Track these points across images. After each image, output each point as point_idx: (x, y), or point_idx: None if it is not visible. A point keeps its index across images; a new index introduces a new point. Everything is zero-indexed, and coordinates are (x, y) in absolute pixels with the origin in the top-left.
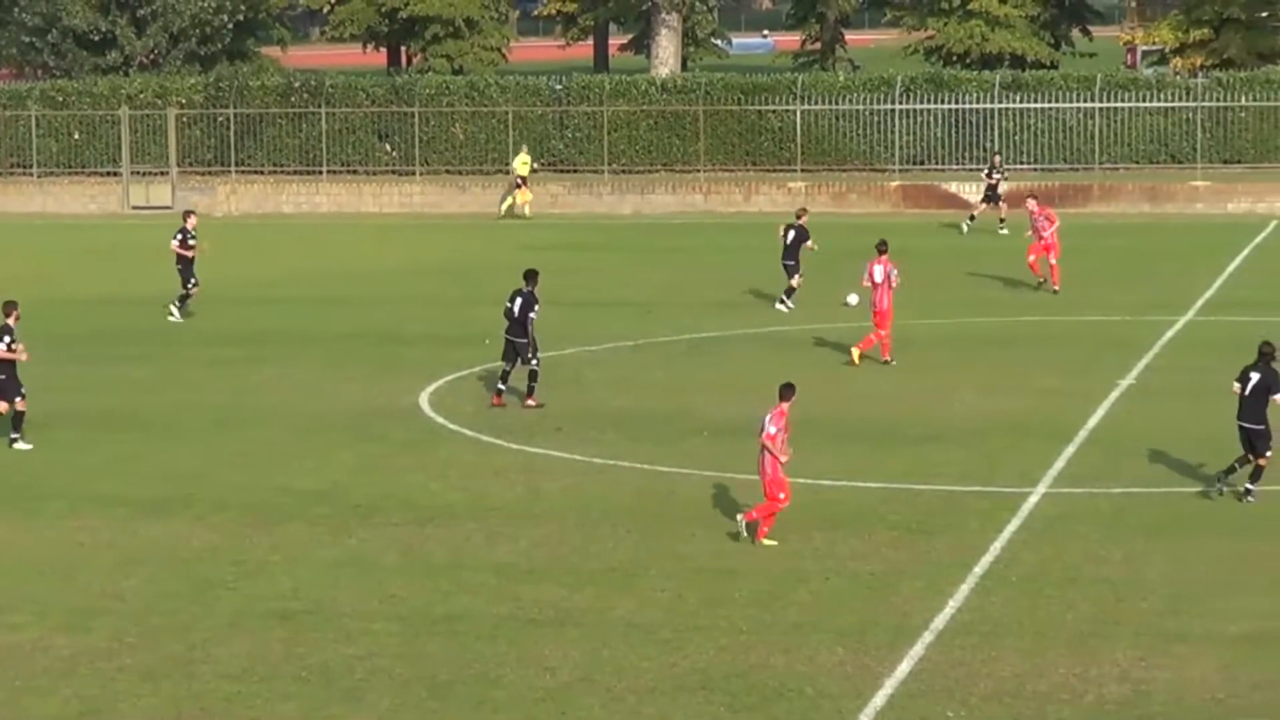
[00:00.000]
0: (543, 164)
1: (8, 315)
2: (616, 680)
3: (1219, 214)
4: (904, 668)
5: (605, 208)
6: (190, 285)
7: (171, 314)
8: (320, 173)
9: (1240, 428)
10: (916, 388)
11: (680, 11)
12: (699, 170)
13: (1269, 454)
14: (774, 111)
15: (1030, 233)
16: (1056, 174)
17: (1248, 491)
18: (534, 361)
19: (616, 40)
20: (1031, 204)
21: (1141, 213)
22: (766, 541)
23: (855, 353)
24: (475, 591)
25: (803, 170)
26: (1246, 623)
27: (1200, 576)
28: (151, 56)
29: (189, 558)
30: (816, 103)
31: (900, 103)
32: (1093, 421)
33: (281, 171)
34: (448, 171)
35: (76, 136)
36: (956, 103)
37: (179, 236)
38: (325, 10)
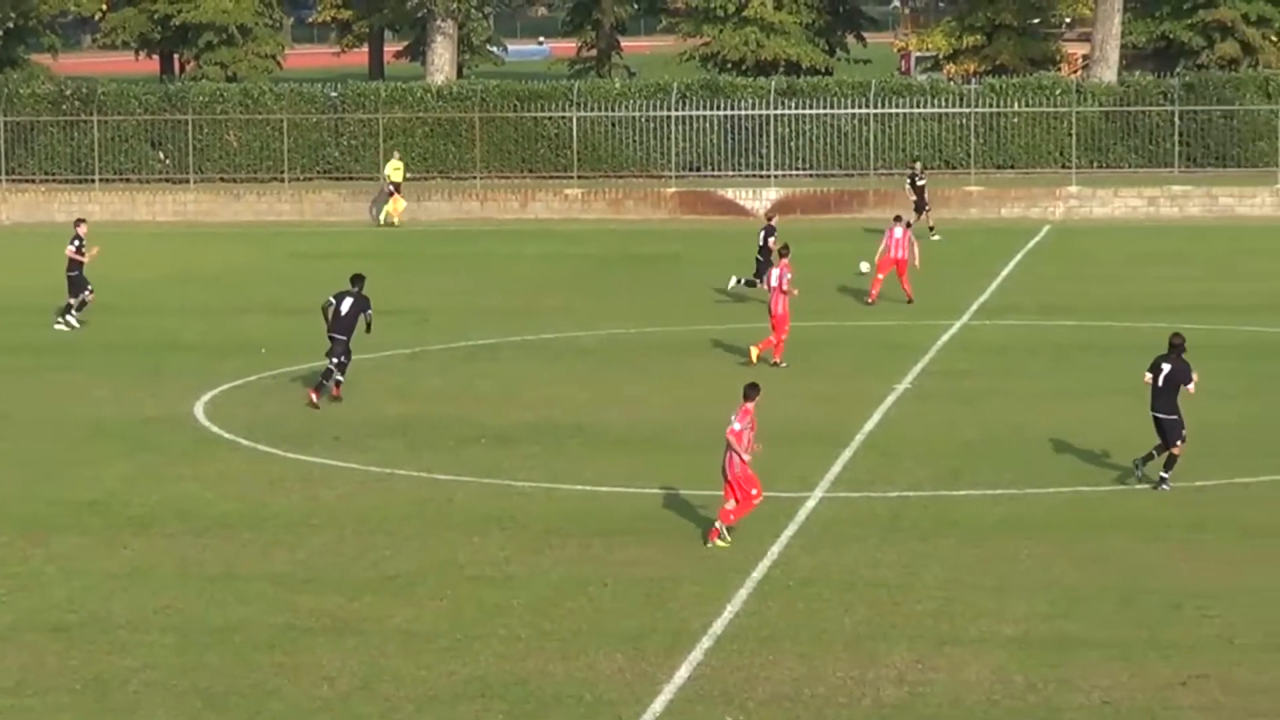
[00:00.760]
0: (317, 171)
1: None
2: (395, 689)
3: (993, 218)
4: (683, 673)
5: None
6: (87, 292)
7: (59, 324)
8: (93, 181)
9: (1154, 418)
10: (689, 394)
11: (455, 18)
12: (475, 177)
13: (1181, 444)
14: (550, 118)
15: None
16: (832, 180)
17: (1162, 480)
18: (345, 360)
19: (392, 47)
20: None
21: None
22: (719, 543)
23: (754, 352)
24: (252, 601)
25: (579, 177)
26: (1019, 625)
27: (974, 580)
28: None
29: None
30: (593, 109)
31: (676, 109)
32: (869, 426)
33: (54, 180)
34: (222, 179)
35: None
36: (732, 109)
37: (75, 244)
38: (97, 17)
